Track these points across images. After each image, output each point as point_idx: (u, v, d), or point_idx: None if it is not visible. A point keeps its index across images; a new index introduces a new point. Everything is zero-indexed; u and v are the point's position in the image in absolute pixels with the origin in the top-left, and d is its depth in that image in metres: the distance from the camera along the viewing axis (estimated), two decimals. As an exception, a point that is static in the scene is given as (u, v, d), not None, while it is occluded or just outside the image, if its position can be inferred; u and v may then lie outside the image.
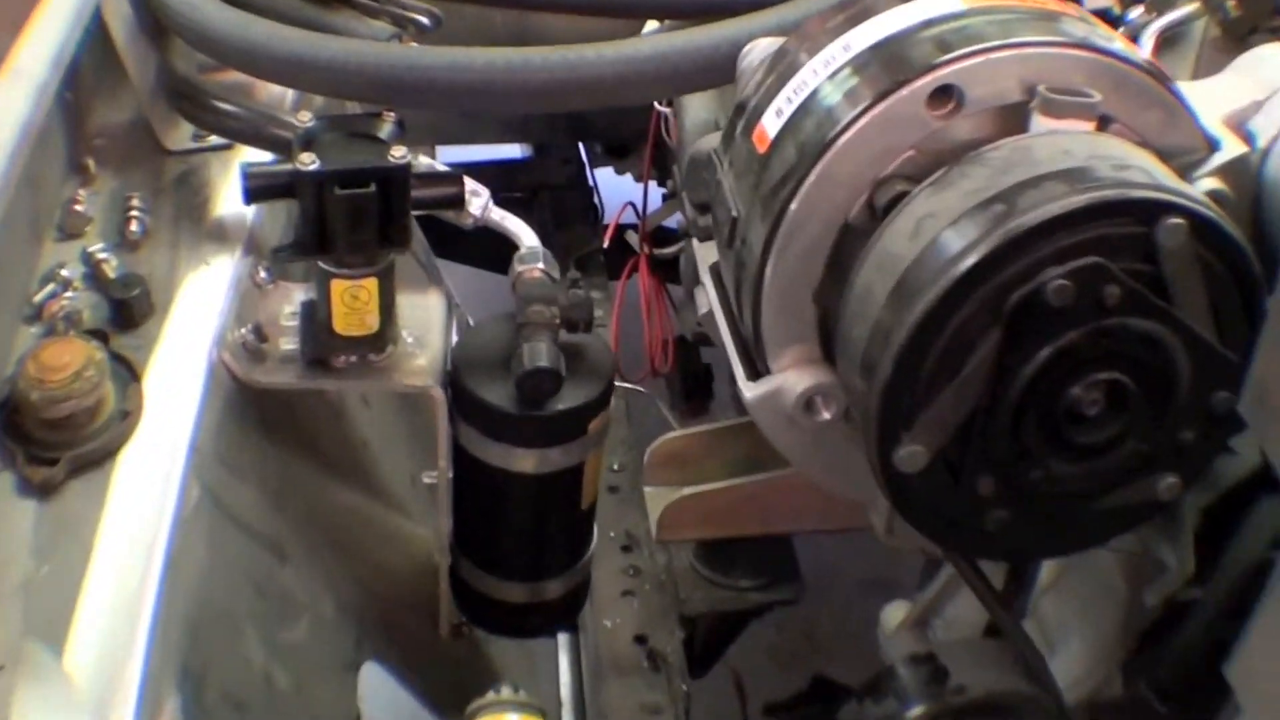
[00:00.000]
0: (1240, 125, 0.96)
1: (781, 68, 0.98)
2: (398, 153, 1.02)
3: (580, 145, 2.45)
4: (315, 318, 1.09)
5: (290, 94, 1.33)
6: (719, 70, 1.12)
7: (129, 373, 1.03)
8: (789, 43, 1.00)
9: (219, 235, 1.19)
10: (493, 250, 1.22)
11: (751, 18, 1.15)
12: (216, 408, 1.06)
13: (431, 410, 1.12)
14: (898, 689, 1.21)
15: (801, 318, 0.95)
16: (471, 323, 1.26)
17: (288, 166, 1.00)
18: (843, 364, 0.92)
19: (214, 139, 1.28)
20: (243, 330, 1.10)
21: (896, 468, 0.85)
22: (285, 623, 1.12)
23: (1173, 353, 0.86)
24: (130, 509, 0.96)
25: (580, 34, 1.20)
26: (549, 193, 2.38)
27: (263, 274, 1.16)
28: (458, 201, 1.11)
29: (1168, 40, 1.20)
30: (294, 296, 1.14)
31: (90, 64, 1.25)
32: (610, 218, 2.12)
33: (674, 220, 1.94)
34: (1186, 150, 0.93)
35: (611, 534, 1.73)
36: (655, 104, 1.65)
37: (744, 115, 0.99)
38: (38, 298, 1.08)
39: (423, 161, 1.09)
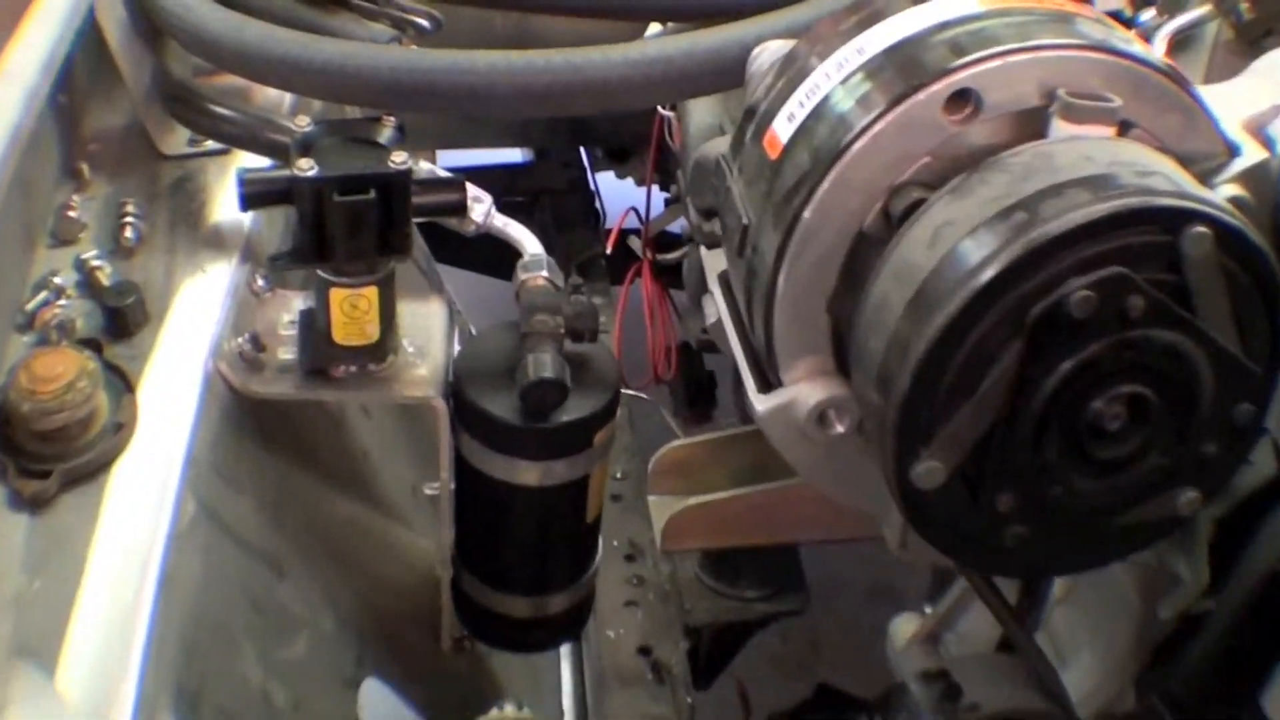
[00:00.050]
0: (1260, 130, 0.95)
1: (792, 71, 0.96)
2: (398, 158, 1.00)
3: (581, 149, 2.45)
4: (314, 327, 1.07)
5: (288, 98, 1.31)
6: (727, 74, 1.11)
7: (123, 383, 1.02)
8: (799, 46, 0.98)
9: (215, 242, 1.18)
10: (495, 255, 1.21)
11: (760, 20, 1.14)
12: (213, 419, 1.05)
13: (433, 421, 1.11)
14: (910, 706, 1.20)
15: (814, 328, 0.93)
16: (474, 331, 1.25)
17: (285, 172, 0.99)
18: (857, 376, 0.90)
19: (210, 144, 1.26)
20: (240, 339, 1.08)
21: (913, 484, 0.84)
22: (283, 639, 1.10)
23: (1196, 365, 0.84)
24: (124, 523, 0.95)
25: (581, 37, 1.18)
26: (549, 197, 2.39)
27: (260, 282, 1.14)
28: (460, 208, 1.10)
29: (1179, 43, 1.19)
30: (292, 305, 1.13)
31: (84, 67, 1.24)
32: (610, 222, 2.11)
33: (677, 225, 1.94)
34: (1206, 156, 0.92)
35: (615, 543, 1.74)
36: (659, 108, 1.64)
37: (754, 120, 0.97)
38: (30, 306, 1.07)
39: (424, 167, 1.07)
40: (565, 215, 2.36)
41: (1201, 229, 0.81)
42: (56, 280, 1.09)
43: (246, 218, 1.19)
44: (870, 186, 0.88)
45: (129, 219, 1.16)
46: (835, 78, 0.91)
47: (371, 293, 1.03)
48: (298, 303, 1.13)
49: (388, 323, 1.06)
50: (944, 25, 0.90)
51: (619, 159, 2.35)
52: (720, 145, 1.24)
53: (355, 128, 1.04)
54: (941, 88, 0.86)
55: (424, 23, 1.21)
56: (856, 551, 2.31)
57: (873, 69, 0.90)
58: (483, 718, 1.09)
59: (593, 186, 2.43)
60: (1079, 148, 0.84)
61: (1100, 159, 0.83)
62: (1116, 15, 1.16)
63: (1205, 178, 0.90)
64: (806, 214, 0.89)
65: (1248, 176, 0.91)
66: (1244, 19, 1.15)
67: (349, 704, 1.17)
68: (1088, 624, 1.24)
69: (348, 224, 0.99)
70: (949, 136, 0.87)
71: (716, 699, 1.85)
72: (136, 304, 1.07)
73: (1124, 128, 0.89)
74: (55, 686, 0.85)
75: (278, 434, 1.15)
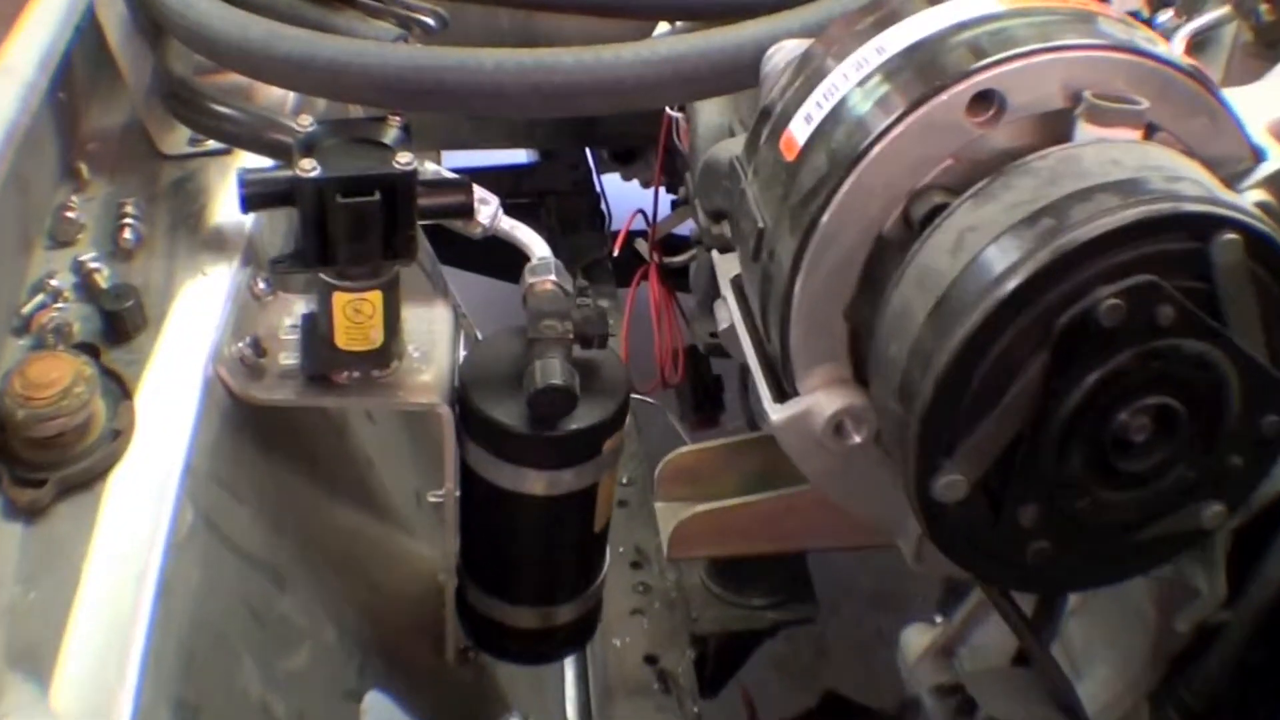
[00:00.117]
0: (1286, 135, 0.93)
1: (809, 71, 0.94)
2: (403, 159, 0.99)
3: (587, 151, 2.45)
4: (316, 331, 1.06)
5: (291, 97, 1.30)
6: (742, 73, 1.09)
7: (120, 389, 1.00)
8: (815, 45, 0.96)
9: (216, 244, 1.17)
10: (501, 258, 1.19)
11: (773, 19, 1.12)
12: (212, 426, 1.03)
13: (438, 429, 1.10)
14: (925, 721, 1.18)
15: (831, 335, 0.91)
16: (480, 336, 1.24)
17: (287, 173, 0.97)
18: (876, 385, 0.88)
19: (212, 144, 1.25)
20: (240, 344, 1.07)
21: (934, 497, 0.82)
22: (284, 651, 1.09)
23: (1224, 375, 0.82)
24: (121, 532, 0.93)
25: (589, 36, 1.17)
26: (555, 199, 2.38)
27: (261, 285, 1.13)
28: (466, 210, 1.08)
29: (1197, 45, 1.18)
30: (294, 309, 1.12)
31: (83, 64, 1.23)
32: (616, 225, 2.11)
33: (684, 228, 1.93)
34: (1231, 160, 0.90)
35: (620, 549, 1.73)
36: (666, 109, 1.63)
37: (770, 121, 0.95)
38: (26, 309, 1.06)
39: (429, 168, 1.06)
40: (570, 217, 2.36)
41: (1232, 236, 0.79)
42: (53, 283, 1.08)
43: (248, 219, 1.18)
44: (890, 190, 0.86)
45: (128, 220, 1.15)
46: (854, 78, 0.89)
47: (375, 297, 1.02)
48: (300, 307, 1.11)
49: (392, 327, 1.05)
50: (964, 25, 0.88)
51: (625, 160, 2.35)
52: (730, 147, 1.23)
53: (359, 128, 1.03)
54: (964, 89, 0.84)
55: (430, 21, 1.20)
56: (860, 557, 2.32)
57: (892, 69, 0.88)
58: (488, 733, 1.08)
59: (598, 188, 2.43)
60: (1107, 151, 0.82)
61: (1128, 163, 0.81)
62: (1134, 15, 1.15)
63: (1231, 183, 0.88)
64: (825, 218, 0.87)
65: (1273, 181, 0.89)
66: (1263, 20, 1.14)
67: (351, 716, 1.16)
68: (1103, 636, 1.23)
69: (351, 226, 0.98)
70: (972, 139, 0.85)
71: (720, 705, 1.84)
72: (135, 307, 1.06)
73: (1149, 131, 0.87)
74: (50, 700, 0.84)
75: (279, 441, 1.13)
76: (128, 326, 1.05)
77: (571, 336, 1.06)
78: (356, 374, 1.07)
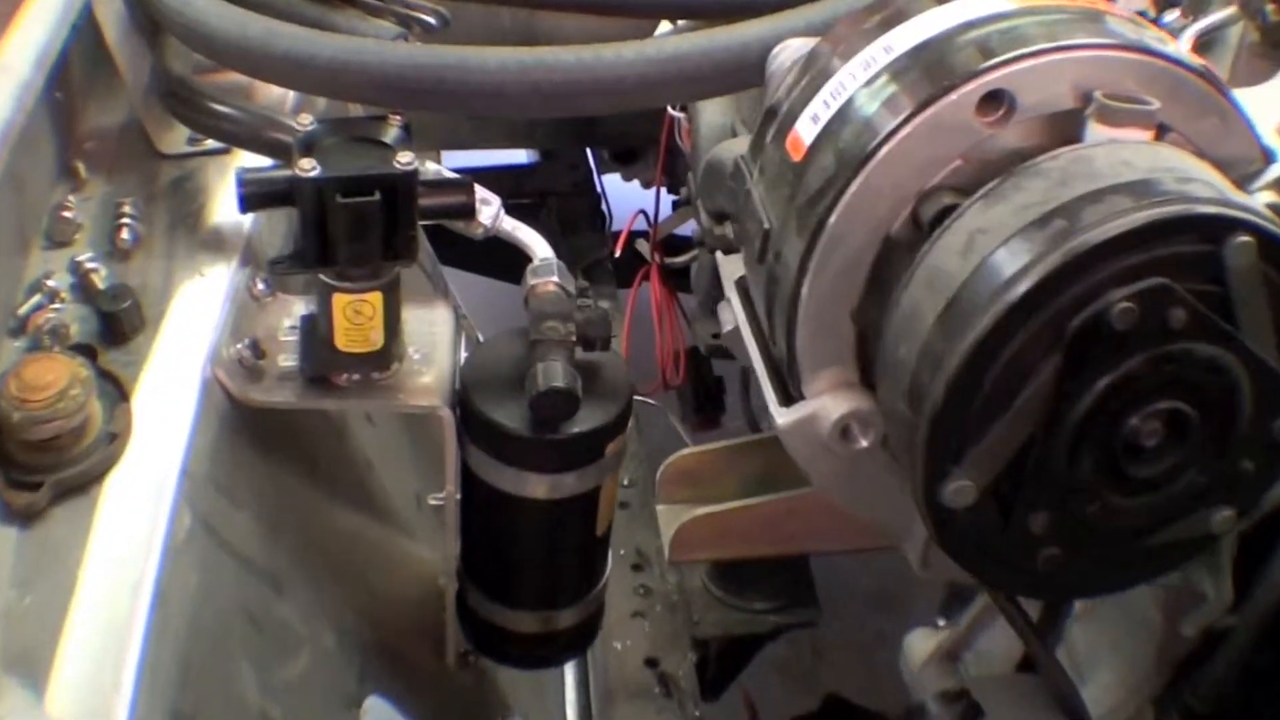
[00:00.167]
0: (1295, 136, 0.93)
1: (815, 71, 0.93)
2: (404, 159, 0.98)
3: (587, 151, 2.44)
4: (316, 333, 1.05)
5: (291, 96, 1.30)
6: (745, 72, 1.08)
7: (117, 391, 0.99)
8: (821, 45, 0.96)
9: (215, 245, 1.16)
10: (503, 259, 1.18)
11: (777, 18, 1.11)
12: (210, 429, 1.02)
13: (439, 431, 1.09)
14: (930, 727, 1.17)
15: (838, 338, 0.91)
16: (481, 338, 1.23)
17: (286, 173, 0.97)
18: (884, 389, 0.87)
19: (210, 143, 1.25)
20: (239, 346, 1.06)
21: (943, 503, 0.81)
22: (283, 657, 1.08)
23: (1236, 379, 0.82)
24: (118, 537, 0.93)
25: (590, 35, 1.16)
26: (555, 199, 2.38)
27: (260, 286, 1.12)
28: (468, 211, 1.07)
29: (1203, 45, 1.17)
30: (293, 310, 1.11)
31: (80, 63, 1.22)
32: (617, 225, 2.11)
33: (686, 228, 1.93)
34: (1241, 161, 0.89)
35: (621, 551, 1.73)
36: (668, 108, 1.63)
37: (775, 121, 0.94)
38: (22, 310, 1.05)
39: (430, 168, 1.05)
40: (571, 218, 2.36)
41: (1245, 238, 0.79)
42: (50, 283, 1.07)
43: (247, 219, 1.17)
44: (899, 191, 0.86)
45: (126, 220, 1.14)
46: (861, 78, 0.89)
47: (375, 298, 1.01)
48: (299, 308, 1.11)
49: (392, 329, 1.04)
50: (972, 24, 0.88)
51: (625, 160, 2.35)
52: (733, 147, 1.22)
53: (360, 127, 1.02)
54: (974, 89, 0.83)
55: (430, 19, 1.20)
56: (862, 559, 2.31)
57: (900, 69, 0.87)
58: (489, 738, 1.07)
59: (599, 189, 2.42)
60: (1118, 152, 0.82)
61: (1140, 164, 0.81)
62: (1140, 15, 1.14)
63: (1241, 184, 0.88)
64: (832, 219, 0.86)
65: (1285, 183, 0.89)
66: (1270, 21, 1.13)
67: (350, 722, 1.15)
68: (1108, 640, 1.22)
69: (351, 227, 0.97)
70: (981, 139, 0.85)
71: (721, 707, 1.84)
72: (132, 308, 1.05)
73: (1160, 131, 0.86)
74: (46, 704, 0.84)
75: (277, 444, 1.13)
76: (125, 328, 1.05)
77: (574, 339, 1.05)
78: (356, 376, 1.06)
